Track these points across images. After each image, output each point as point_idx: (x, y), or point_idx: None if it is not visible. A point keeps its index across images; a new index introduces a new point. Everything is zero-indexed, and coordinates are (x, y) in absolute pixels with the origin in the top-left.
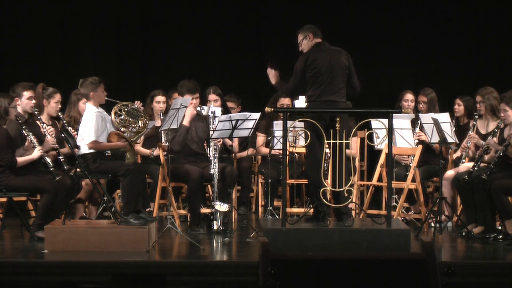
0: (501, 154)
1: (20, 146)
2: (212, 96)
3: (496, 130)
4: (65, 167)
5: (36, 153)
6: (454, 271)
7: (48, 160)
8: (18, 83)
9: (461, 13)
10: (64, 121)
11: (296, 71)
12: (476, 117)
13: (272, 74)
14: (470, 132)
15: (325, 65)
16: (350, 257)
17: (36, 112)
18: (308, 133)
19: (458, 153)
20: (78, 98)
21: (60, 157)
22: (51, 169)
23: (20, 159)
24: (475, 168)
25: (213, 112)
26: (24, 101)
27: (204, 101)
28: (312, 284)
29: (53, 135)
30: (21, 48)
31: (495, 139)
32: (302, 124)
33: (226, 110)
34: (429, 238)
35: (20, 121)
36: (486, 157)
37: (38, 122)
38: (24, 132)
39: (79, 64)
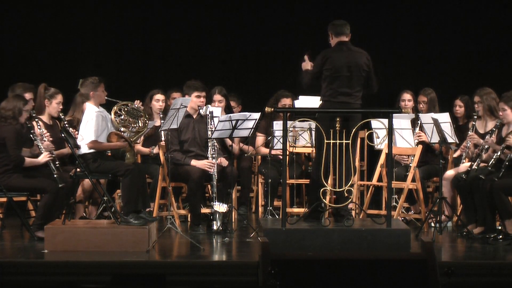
0: (499, 154)
1: (26, 148)
2: (217, 97)
3: (494, 129)
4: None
5: (43, 158)
6: (454, 271)
7: (53, 166)
8: (18, 84)
9: (461, 13)
10: (65, 122)
11: (313, 65)
12: (475, 117)
13: (306, 63)
14: (469, 132)
15: (342, 66)
16: (350, 257)
17: (33, 114)
18: (309, 133)
19: (458, 153)
20: (82, 100)
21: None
22: (55, 175)
23: (27, 159)
24: (474, 167)
25: (211, 112)
26: None
27: (209, 101)
28: (312, 284)
29: (49, 139)
30: (21, 48)
31: (493, 138)
32: (302, 124)
33: (230, 111)
34: (429, 238)
35: (29, 125)
36: (484, 156)
37: (34, 123)
38: (32, 136)
39: (79, 64)
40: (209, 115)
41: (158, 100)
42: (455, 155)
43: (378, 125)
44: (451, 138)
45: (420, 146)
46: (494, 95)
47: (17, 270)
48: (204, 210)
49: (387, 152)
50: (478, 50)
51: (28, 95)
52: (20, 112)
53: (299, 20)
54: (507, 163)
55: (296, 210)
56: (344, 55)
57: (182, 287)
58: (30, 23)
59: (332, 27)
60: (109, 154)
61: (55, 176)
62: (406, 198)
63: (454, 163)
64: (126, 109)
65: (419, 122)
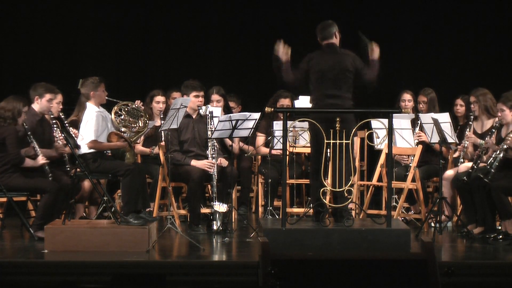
0: (501, 156)
1: (22, 148)
2: (215, 96)
3: (494, 130)
4: (67, 166)
5: (39, 161)
6: (454, 271)
7: (48, 170)
8: (41, 83)
9: (461, 13)
10: (66, 122)
11: (299, 66)
12: (472, 117)
13: (282, 51)
14: (466, 132)
15: (327, 69)
16: (350, 257)
17: (52, 116)
18: (309, 133)
19: (457, 154)
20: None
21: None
22: (50, 178)
23: (26, 160)
24: (475, 167)
25: (211, 112)
26: (44, 102)
27: (207, 101)
28: (312, 284)
29: (63, 142)
30: (21, 48)
31: (493, 138)
32: (302, 124)
33: (228, 110)
34: (429, 238)
35: (26, 127)
36: (485, 157)
37: (51, 123)
38: (28, 138)
39: (79, 64)
40: (209, 115)
41: (158, 102)
42: (455, 155)
43: (378, 125)
44: (451, 138)
45: (420, 146)
46: (490, 95)
47: (17, 270)
48: (204, 210)
49: (387, 152)
50: (477, 50)
51: (48, 96)
52: (19, 113)
53: (299, 20)
54: (502, 166)
55: (296, 210)
56: (328, 57)
57: (182, 287)
58: (30, 23)
59: (318, 31)
60: (109, 154)
61: (50, 179)
62: (406, 198)
63: (454, 163)
64: (126, 109)
65: (419, 122)
